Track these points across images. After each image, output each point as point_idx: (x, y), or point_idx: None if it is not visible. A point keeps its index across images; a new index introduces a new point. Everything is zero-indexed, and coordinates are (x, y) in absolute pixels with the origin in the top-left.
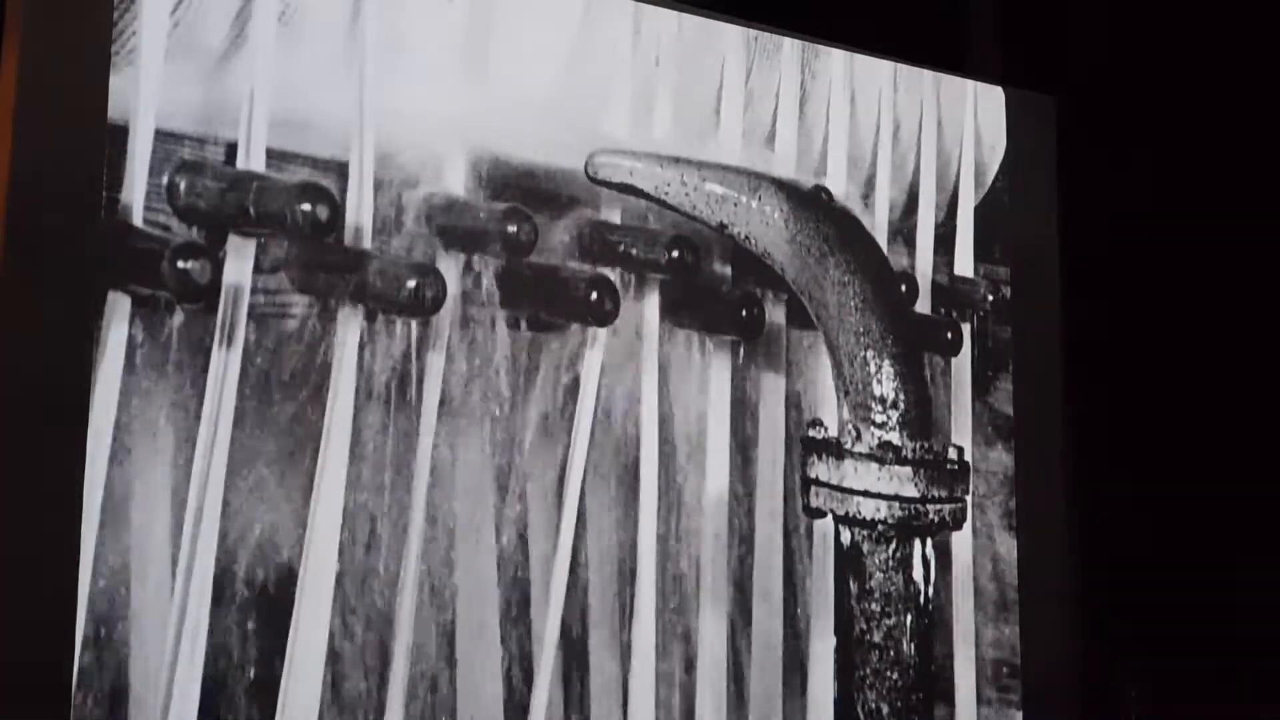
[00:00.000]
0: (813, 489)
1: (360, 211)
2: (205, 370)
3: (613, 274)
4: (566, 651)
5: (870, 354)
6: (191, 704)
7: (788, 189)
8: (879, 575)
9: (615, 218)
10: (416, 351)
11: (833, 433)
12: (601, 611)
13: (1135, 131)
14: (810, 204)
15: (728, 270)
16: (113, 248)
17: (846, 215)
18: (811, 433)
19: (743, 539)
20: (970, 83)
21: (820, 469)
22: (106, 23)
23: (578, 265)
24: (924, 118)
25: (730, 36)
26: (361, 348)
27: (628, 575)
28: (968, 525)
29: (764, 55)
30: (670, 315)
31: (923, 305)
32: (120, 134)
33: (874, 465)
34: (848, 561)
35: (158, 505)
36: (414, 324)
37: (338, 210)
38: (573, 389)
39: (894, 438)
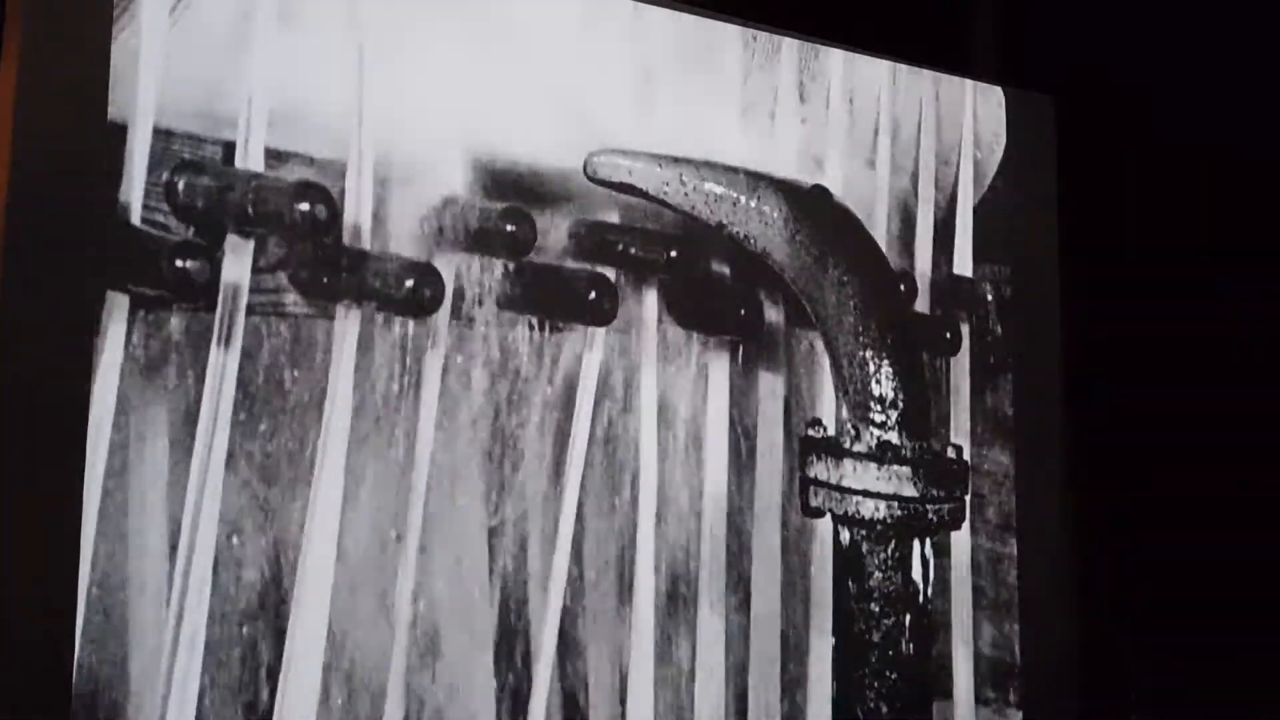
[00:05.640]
0: (811, 489)
1: (359, 211)
2: (204, 369)
3: (611, 273)
4: (564, 650)
5: (869, 353)
6: (190, 704)
7: (787, 188)
8: (878, 575)
9: (614, 217)
10: (415, 351)
11: (831, 432)
12: (600, 611)
13: (1135, 131)
14: (809, 204)
15: (726, 270)
16: (111, 247)
17: (845, 214)
18: (810, 432)
19: (741, 539)
20: (970, 82)
21: (819, 468)
22: (106, 22)
23: (577, 265)
24: (923, 117)
25: (729, 36)
26: (360, 347)
27: (626, 575)
28: (966, 525)
29: (763, 55)
30: (669, 315)
31: (922, 305)
32: (119, 133)
33: (873, 465)
34: (847, 561)
35: (156, 504)
36: (412, 323)
37: (336, 209)
38: (571, 389)
39: (893, 437)
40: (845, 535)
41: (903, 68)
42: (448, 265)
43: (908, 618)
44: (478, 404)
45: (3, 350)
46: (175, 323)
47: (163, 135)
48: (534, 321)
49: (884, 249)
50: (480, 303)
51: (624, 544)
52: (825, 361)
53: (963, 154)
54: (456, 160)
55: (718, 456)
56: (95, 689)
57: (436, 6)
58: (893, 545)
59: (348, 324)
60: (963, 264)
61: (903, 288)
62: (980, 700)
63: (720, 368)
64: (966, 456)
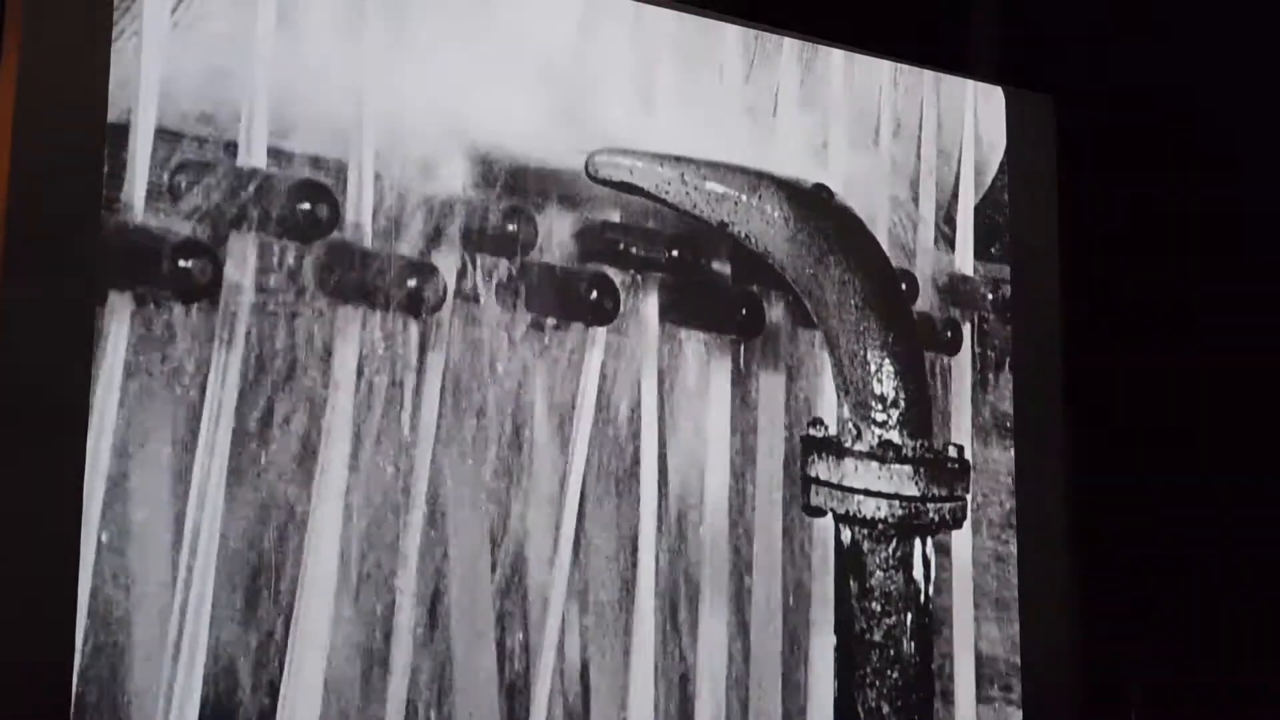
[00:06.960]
0: (813, 488)
1: (360, 210)
2: (206, 369)
3: (613, 273)
4: (565, 650)
5: (870, 352)
6: (192, 704)
7: (788, 188)
8: (879, 574)
9: (615, 216)
10: (417, 350)
11: (833, 431)
12: (602, 610)
13: (1135, 131)
14: (810, 203)
15: (728, 269)
16: (113, 247)
17: (846, 214)
18: (811, 431)
19: (742, 538)
20: (970, 82)
21: (820, 468)
22: (106, 22)
23: (578, 264)
24: (923, 117)
25: (730, 36)
26: (361, 346)
27: (627, 574)
28: (967, 524)
29: (763, 55)
30: (670, 314)
31: (923, 304)
32: (121, 133)
33: (874, 464)
34: (848, 560)
35: (158, 504)
36: (414, 323)
37: (338, 209)
38: (573, 388)
39: (894, 436)
40: (846, 534)
41: (903, 68)
42: (449, 264)
43: (909, 617)
44: (479, 403)
45: (4, 350)
46: (177, 322)
47: (164, 135)
48: (535, 321)
49: (885, 248)
50: (482, 302)
51: (625, 543)
52: (826, 360)
53: (963, 154)
54: (458, 159)
55: (719, 455)
56: (96, 689)
57: (437, 5)
58: (894, 544)
59: (349, 323)
60: (963, 264)
61: (904, 286)
62: (981, 699)
63: (721, 367)
64: (967, 456)
